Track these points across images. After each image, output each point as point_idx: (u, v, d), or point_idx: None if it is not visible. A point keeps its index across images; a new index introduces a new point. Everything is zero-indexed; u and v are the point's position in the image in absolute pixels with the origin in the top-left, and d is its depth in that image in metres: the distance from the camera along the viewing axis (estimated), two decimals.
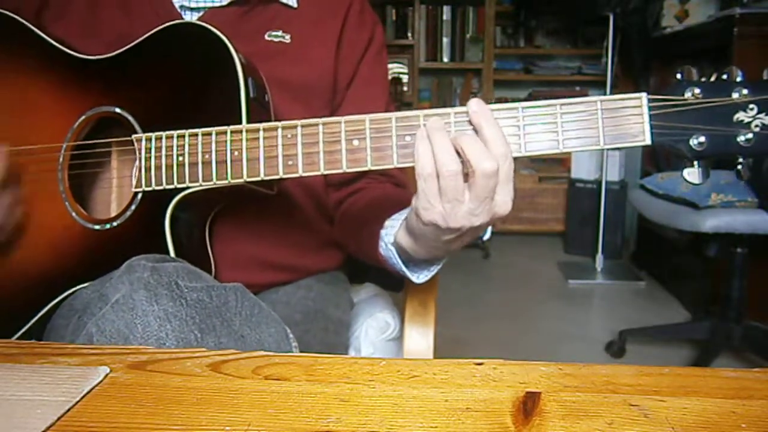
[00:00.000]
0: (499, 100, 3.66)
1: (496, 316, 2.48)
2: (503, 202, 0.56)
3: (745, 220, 1.71)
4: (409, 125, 0.58)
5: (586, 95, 3.64)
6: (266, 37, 0.81)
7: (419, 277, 0.72)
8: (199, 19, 0.80)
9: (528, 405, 0.38)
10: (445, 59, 3.61)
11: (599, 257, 2.95)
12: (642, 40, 3.02)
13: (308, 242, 0.87)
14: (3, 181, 0.67)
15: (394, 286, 1.06)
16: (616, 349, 2.11)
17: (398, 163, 0.58)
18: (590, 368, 0.43)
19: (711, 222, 1.71)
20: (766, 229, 1.70)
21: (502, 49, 3.67)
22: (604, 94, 2.93)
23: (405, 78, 3.57)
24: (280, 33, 0.81)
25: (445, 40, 3.59)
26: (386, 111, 0.88)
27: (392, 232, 0.70)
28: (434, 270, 0.72)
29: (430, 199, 0.56)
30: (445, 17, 3.58)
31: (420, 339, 0.87)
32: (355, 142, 0.59)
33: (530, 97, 3.70)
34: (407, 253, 0.69)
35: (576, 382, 0.41)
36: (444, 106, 3.65)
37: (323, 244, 0.90)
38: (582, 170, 3.26)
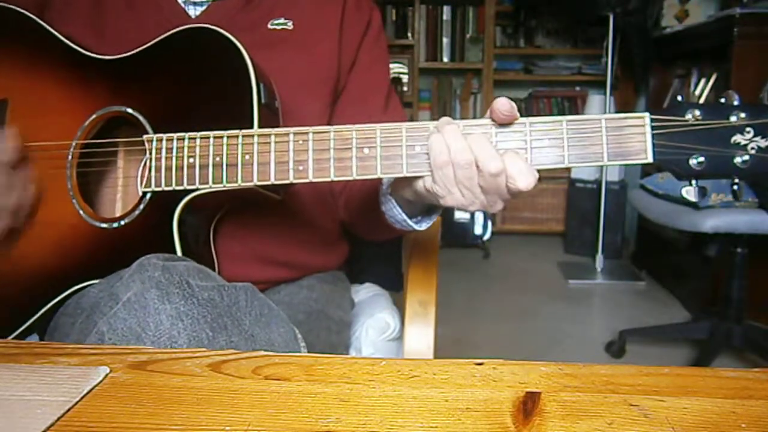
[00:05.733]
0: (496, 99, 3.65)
1: (496, 316, 2.48)
2: (519, 185, 0.57)
3: (745, 220, 1.71)
4: (418, 135, 0.60)
5: (585, 95, 3.64)
6: (269, 26, 0.82)
7: (421, 225, 0.74)
8: (203, 12, 0.81)
9: (528, 405, 0.38)
10: (445, 59, 3.60)
11: (599, 257, 2.95)
12: (642, 40, 3.02)
13: (311, 239, 0.87)
14: (16, 162, 0.67)
15: (394, 285, 1.07)
16: (616, 349, 2.11)
17: (407, 171, 0.60)
18: (590, 368, 0.43)
19: (711, 222, 1.71)
20: (766, 229, 1.70)
21: (502, 49, 3.67)
22: (604, 94, 2.93)
23: (405, 78, 3.57)
24: (282, 20, 0.82)
25: (445, 40, 3.59)
26: (388, 95, 0.91)
27: (387, 189, 0.72)
28: (434, 217, 0.74)
29: (448, 186, 0.58)
30: (445, 17, 3.58)
31: (420, 339, 0.88)
32: (366, 150, 0.60)
33: (530, 97, 3.71)
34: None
35: (576, 382, 0.41)
36: (444, 106, 3.65)
37: (326, 241, 0.91)
38: (582, 170, 3.26)
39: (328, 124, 0.86)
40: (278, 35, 0.81)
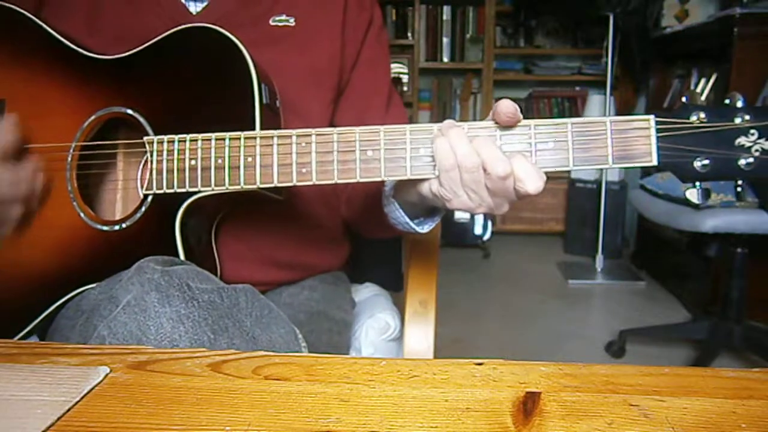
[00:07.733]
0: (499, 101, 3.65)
1: (496, 316, 2.48)
2: (528, 189, 0.56)
3: (745, 220, 1.71)
4: (422, 137, 0.59)
5: (585, 95, 3.64)
6: (270, 23, 0.81)
7: (423, 228, 0.74)
8: (203, 8, 0.80)
9: (528, 405, 0.38)
10: (445, 59, 3.61)
11: (599, 257, 2.95)
12: (642, 40, 3.02)
13: (315, 240, 0.87)
14: (18, 152, 0.66)
15: (394, 285, 1.06)
16: (616, 349, 2.11)
17: (411, 174, 0.59)
18: (590, 368, 0.43)
19: (711, 222, 1.71)
20: (766, 229, 1.70)
21: (502, 49, 3.67)
22: (604, 94, 2.93)
23: (405, 78, 3.57)
24: (283, 17, 0.81)
25: (445, 40, 3.59)
26: (390, 94, 0.90)
27: (390, 191, 0.72)
28: (437, 219, 0.74)
29: (455, 189, 0.58)
30: (445, 17, 3.58)
31: (420, 339, 0.88)
32: (369, 153, 0.59)
33: (530, 98, 3.71)
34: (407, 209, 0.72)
35: (576, 382, 0.41)
36: (444, 106, 3.65)
37: (330, 242, 0.90)
38: (582, 170, 3.26)
39: (331, 121, 0.86)
40: (280, 32, 0.81)
